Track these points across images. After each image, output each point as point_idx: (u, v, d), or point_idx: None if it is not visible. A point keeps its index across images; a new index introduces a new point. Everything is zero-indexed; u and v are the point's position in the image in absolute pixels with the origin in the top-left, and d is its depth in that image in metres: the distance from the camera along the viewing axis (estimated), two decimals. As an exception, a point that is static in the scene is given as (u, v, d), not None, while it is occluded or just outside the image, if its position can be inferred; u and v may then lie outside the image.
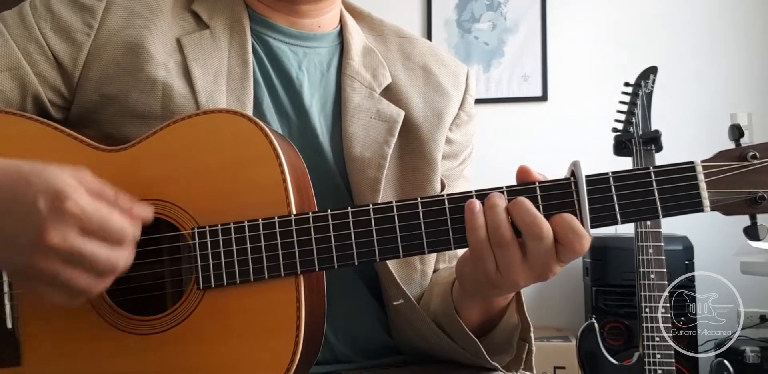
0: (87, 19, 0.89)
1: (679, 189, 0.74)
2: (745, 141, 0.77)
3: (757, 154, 0.74)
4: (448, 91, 1.02)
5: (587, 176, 0.74)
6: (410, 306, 0.91)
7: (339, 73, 0.99)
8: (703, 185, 0.74)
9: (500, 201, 0.74)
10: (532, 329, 0.89)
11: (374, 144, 0.94)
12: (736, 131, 0.78)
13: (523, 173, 0.77)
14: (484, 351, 0.87)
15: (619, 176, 0.74)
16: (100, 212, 0.70)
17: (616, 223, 0.75)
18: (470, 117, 1.05)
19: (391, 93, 0.99)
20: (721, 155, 0.75)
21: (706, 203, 0.74)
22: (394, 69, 1.01)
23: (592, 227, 0.74)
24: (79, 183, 0.70)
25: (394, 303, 0.92)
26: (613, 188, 0.74)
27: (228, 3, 0.96)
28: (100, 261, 0.70)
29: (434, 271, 1.03)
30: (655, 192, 0.74)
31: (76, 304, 0.73)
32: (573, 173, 0.75)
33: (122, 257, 0.72)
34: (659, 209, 0.74)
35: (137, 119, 0.87)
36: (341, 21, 1.03)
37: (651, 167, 0.74)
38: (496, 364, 0.90)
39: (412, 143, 0.97)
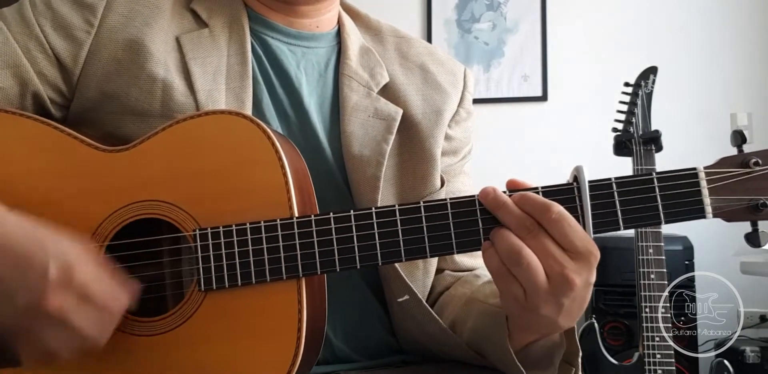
0: (87, 16, 0.89)
1: (682, 195, 0.74)
2: (745, 141, 0.77)
3: (760, 161, 0.73)
4: (446, 90, 1.03)
5: (590, 182, 0.74)
6: (416, 303, 0.91)
7: (337, 73, 0.99)
8: (705, 192, 0.73)
9: (506, 232, 0.74)
10: (581, 354, 0.86)
11: (373, 142, 0.94)
12: (739, 138, 0.78)
13: (513, 187, 0.76)
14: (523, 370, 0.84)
15: (622, 181, 0.74)
16: (101, 290, 0.73)
17: (618, 228, 0.74)
18: (469, 114, 1.06)
19: (389, 92, 0.99)
20: (724, 162, 0.75)
21: (709, 209, 0.74)
22: (392, 68, 1.02)
23: (594, 232, 0.74)
24: (87, 253, 0.74)
25: (399, 300, 0.91)
26: (615, 194, 0.74)
27: (227, 2, 0.97)
28: (87, 329, 0.72)
29: (458, 270, 1.02)
30: (658, 198, 0.74)
31: (49, 360, 0.74)
32: (576, 178, 0.75)
33: (112, 322, 0.74)
34: (661, 215, 0.74)
35: (137, 117, 0.87)
36: (339, 21, 1.04)
37: (654, 173, 0.74)
38: None
39: (412, 140, 0.98)
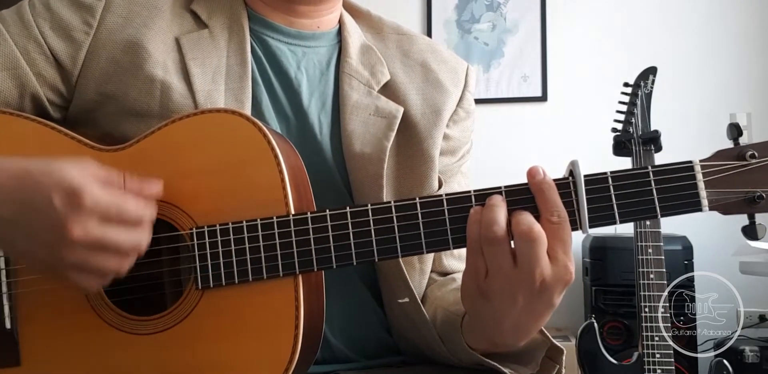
0: (86, 17, 0.89)
1: (678, 189, 0.74)
2: (743, 141, 0.77)
3: (756, 153, 0.73)
4: (446, 88, 1.02)
5: (585, 176, 0.74)
6: (414, 306, 0.91)
7: (338, 71, 0.99)
8: (701, 185, 0.73)
9: (499, 202, 0.73)
10: (564, 353, 0.86)
11: (374, 140, 0.94)
12: (735, 130, 0.78)
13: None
14: (503, 368, 0.84)
15: (618, 175, 0.74)
16: (114, 200, 0.72)
17: (614, 223, 0.74)
18: (468, 114, 1.05)
19: (389, 90, 0.99)
20: (720, 155, 0.75)
21: (705, 202, 0.73)
22: (393, 66, 1.01)
23: (590, 226, 0.74)
24: (87, 175, 0.72)
25: (400, 301, 0.91)
26: (611, 187, 0.74)
27: (227, 3, 0.96)
28: (122, 244, 0.73)
29: (445, 273, 1.03)
30: (654, 192, 0.74)
31: (106, 283, 0.76)
32: (571, 173, 0.75)
33: (143, 237, 0.75)
34: (657, 208, 0.74)
35: (136, 117, 0.87)
36: (340, 20, 1.03)
37: (649, 167, 0.74)
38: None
39: (410, 141, 0.97)
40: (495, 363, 0.84)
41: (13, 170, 0.73)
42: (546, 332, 0.85)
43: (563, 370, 0.87)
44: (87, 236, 0.70)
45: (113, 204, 0.72)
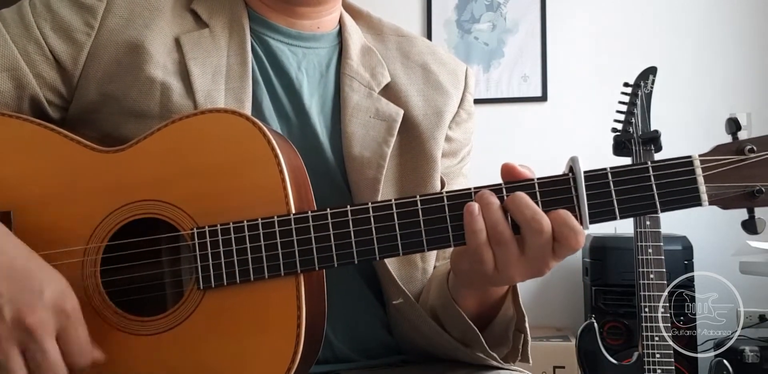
0: (87, 18, 0.89)
1: (677, 184, 0.74)
2: (739, 129, 0.77)
3: (755, 147, 0.73)
4: (447, 90, 1.02)
5: (585, 172, 0.74)
6: (410, 305, 0.91)
7: (338, 73, 0.99)
8: (701, 180, 0.73)
9: (493, 199, 0.74)
10: (526, 319, 0.88)
11: (373, 143, 0.94)
12: (734, 125, 0.78)
13: (508, 171, 0.76)
14: (483, 340, 0.87)
15: (618, 171, 0.74)
16: (85, 331, 0.74)
17: (614, 218, 0.74)
18: (470, 115, 1.05)
19: (390, 92, 0.99)
20: (719, 149, 0.75)
21: (704, 197, 0.73)
22: (393, 68, 1.01)
23: (590, 222, 0.74)
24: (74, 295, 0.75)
25: (394, 302, 0.92)
26: (611, 183, 0.74)
27: (228, 3, 0.97)
28: (47, 362, 0.71)
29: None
30: (654, 187, 0.74)
31: None
32: (571, 169, 0.75)
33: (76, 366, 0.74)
34: (657, 204, 0.74)
35: (136, 118, 0.87)
36: (340, 21, 1.03)
37: (649, 162, 0.74)
38: (495, 355, 0.90)
39: (412, 142, 0.97)
40: (475, 327, 0.85)
41: (27, 253, 0.76)
42: (518, 297, 0.87)
43: (529, 338, 0.89)
44: (38, 330, 0.70)
45: (82, 330, 0.74)
